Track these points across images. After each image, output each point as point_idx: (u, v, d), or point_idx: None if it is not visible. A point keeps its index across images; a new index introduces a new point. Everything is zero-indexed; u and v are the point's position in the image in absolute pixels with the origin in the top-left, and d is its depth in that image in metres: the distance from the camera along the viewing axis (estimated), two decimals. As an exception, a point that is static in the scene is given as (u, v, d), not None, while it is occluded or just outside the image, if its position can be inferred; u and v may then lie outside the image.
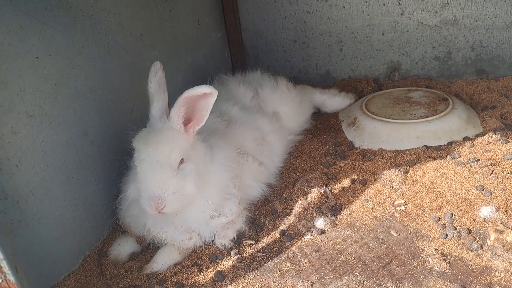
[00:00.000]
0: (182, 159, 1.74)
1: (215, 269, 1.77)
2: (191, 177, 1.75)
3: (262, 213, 2.08)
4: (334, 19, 3.09)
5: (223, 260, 1.82)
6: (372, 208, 2.01)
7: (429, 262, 1.66)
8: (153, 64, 1.83)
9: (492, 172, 2.02)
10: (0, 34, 1.51)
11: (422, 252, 1.71)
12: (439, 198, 1.98)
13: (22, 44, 1.60)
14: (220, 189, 1.86)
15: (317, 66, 3.27)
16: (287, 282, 1.66)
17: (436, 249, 1.70)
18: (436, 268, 1.62)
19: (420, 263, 1.66)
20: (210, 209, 1.81)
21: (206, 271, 1.77)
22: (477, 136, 2.35)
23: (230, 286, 1.68)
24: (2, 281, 1.18)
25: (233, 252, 1.84)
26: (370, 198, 2.08)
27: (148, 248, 1.94)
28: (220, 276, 1.72)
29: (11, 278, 1.19)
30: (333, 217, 1.99)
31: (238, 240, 1.91)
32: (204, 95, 1.71)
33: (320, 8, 3.09)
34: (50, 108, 1.72)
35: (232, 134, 2.13)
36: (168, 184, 1.68)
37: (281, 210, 2.08)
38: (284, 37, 3.25)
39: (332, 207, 2.05)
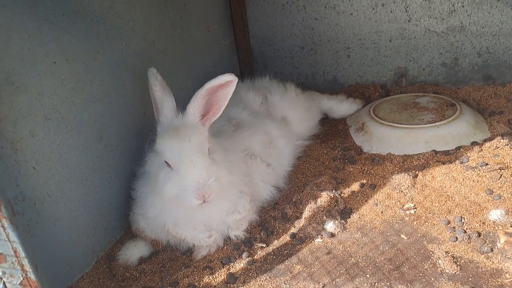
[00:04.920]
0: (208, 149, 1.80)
1: (227, 271, 1.79)
2: (222, 165, 1.82)
3: (272, 217, 2.10)
4: (342, 26, 3.13)
5: (235, 262, 1.84)
6: (381, 212, 2.03)
7: (439, 264, 1.67)
8: (150, 70, 1.91)
9: (501, 176, 2.03)
10: (20, 39, 1.55)
11: (433, 255, 1.72)
12: (449, 201, 2.00)
13: (40, 49, 1.64)
14: (235, 187, 1.91)
15: (325, 73, 3.31)
16: (299, 284, 1.68)
17: (446, 252, 1.72)
18: (447, 271, 1.64)
19: (431, 265, 1.68)
20: (227, 206, 1.88)
21: (218, 273, 1.79)
22: (485, 141, 2.36)
23: (242, 287, 1.70)
24: (23, 278, 1.21)
25: (244, 255, 1.86)
26: (380, 202, 2.10)
27: (160, 252, 1.97)
28: (232, 278, 1.74)
29: (32, 276, 1.22)
30: (343, 221, 2.00)
31: (249, 243, 1.93)
32: (225, 84, 1.78)
33: (328, 15, 3.13)
34: (67, 111, 1.76)
35: (239, 137, 2.18)
36: (210, 171, 1.73)
37: (291, 213, 2.10)
38: (292, 43, 3.29)
39: (342, 211, 2.07)
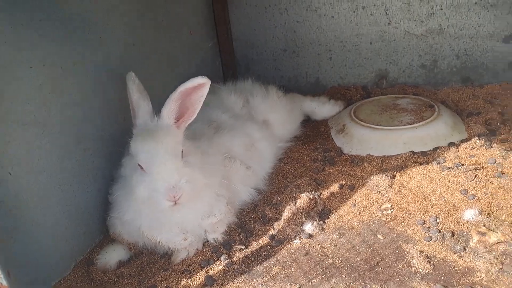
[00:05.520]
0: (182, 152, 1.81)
1: (205, 274, 1.81)
2: (197, 167, 1.83)
3: (252, 219, 2.12)
4: (324, 28, 3.16)
5: (213, 265, 1.85)
6: (359, 213, 2.06)
7: (413, 264, 1.70)
8: (128, 74, 1.91)
9: (475, 176, 2.07)
10: (-3, 44, 1.56)
11: (407, 255, 1.76)
12: (425, 202, 2.03)
13: (18, 54, 1.64)
14: (211, 190, 1.93)
15: (307, 75, 3.34)
16: (276, 285, 1.70)
17: (420, 251, 1.75)
18: (420, 270, 1.67)
19: (405, 265, 1.71)
20: (202, 209, 1.89)
21: (196, 276, 1.80)
22: (462, 141, 2.41)
23: (219, 289, 1.71)
24: (-5, 284, 1.21)
25: (223, 257, 1.87)
26: (358, 202, 2.13)
27: (140, 255, 1.98)
28: (210, 280, 1.75)
29: (3, 282, 1.22)
30: (321, 222, 2.03)
31: (228, 245, 1.95)
32: (198, 86, 1.79)
33: (310, 18, 3.16)
34: (44, 116, 1.76)
35: (219, 140, 2.20)
36: (182, 173, 1.74)
37: (270, 215, 2.12)
38: (274, 46, 3.31)
39: (321, 212, 2.10)
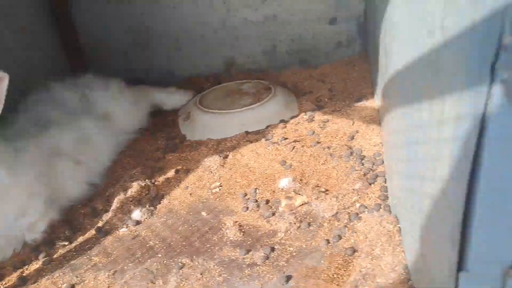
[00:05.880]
0: None
1: (19, 275, 1.72)
2: (1, 166, 1.75)
3: (82, 214, 2.07)
4: (168, 19, 3.18)
5: (30, 265, 1.78)
6: (190, 194, 2.12)
7: (226, 234, 1.80)
8: None
9: (294, 147, 2.24)
10: None
11: (224, 226, 1.85)
12: (250, 176, 2.15)
13: None
14: (23, 189, 1.84)
15: (160, 67, 3.34)
16: (91, 275, 1.68)
17: (235, 222, 1.85)
18: (231, 238, 1.76)
19: (220, 236, 1.80)
20: (13, 209, 1.79)
21: (8, 279, 1.71)
22: (292, 118, 2.59)
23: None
24: None
25: (41, 256, 1.80)
26: (191, 184, 2.18)
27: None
28: (22, 281, 1.68)
29: None
30: (151, 207, 2.05)
31: (50, 244, 1.88)
32: None
33: (153, 9, 3.15)
34: None
35: (44, 137, 2.12)
36: None
37: (101, 208, 2.09)
38: (123, 40, 3.26)
39: (153, 198, 2.11)
